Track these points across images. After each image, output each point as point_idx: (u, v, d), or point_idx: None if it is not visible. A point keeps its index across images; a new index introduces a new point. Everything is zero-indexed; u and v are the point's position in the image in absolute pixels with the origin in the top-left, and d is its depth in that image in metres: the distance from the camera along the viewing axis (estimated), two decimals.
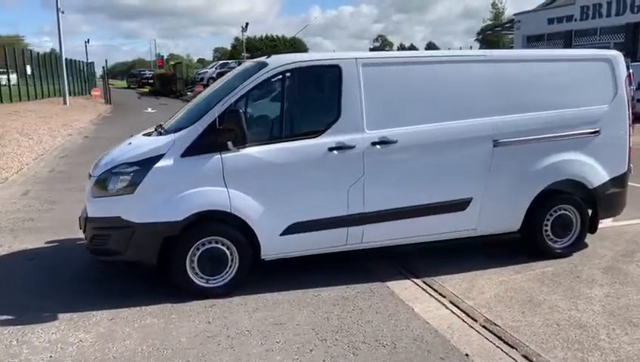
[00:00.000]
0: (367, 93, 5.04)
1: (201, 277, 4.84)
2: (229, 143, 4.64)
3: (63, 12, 30.21)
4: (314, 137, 4.96)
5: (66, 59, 31.63)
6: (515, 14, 37.00)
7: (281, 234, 4.94)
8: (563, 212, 5.77)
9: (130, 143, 5.21)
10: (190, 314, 4.55)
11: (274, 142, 4.90)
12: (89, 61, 54.03)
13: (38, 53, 35.80)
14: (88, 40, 68.41)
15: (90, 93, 40.52)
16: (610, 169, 5.78)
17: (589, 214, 5.90)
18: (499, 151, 5.40)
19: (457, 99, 5.31)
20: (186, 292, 4.82)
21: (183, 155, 4.68)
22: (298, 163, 4.90)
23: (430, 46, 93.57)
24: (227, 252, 4.86)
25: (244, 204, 4.77)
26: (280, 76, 4.92)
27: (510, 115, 5.42)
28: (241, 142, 4.65)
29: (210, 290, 4.85)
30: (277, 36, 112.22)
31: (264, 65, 5.00)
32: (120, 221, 4.64)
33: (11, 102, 26.05)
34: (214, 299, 4.80)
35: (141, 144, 5.02)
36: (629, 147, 5.90)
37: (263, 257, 5.00)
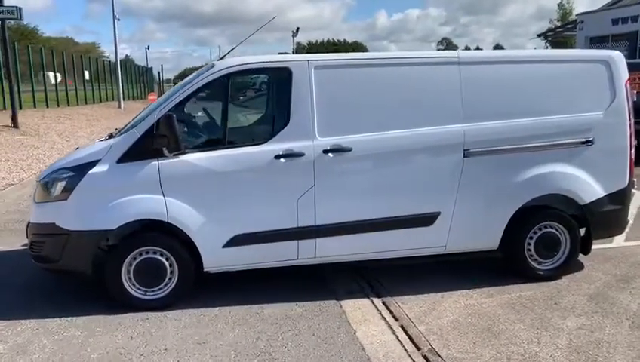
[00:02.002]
0: (319, 97, 4.70)
1: (138, 289, 4.63)
2: (164, 149, 4.41)
3: (119, 19, 31.31)
4: (260, 144, 4.67)
5: (122, 64, 32.67)
6: (577, 14, 35.22)
7: (224, 246, 4.66)
8: (549, 230, 5.19)
9: (77, 148, 5.09)
10: (117, 327, 4.36)
11: (216, 149, 4.63)
12: (149, 66, 55.84)
13: (96, 59, 37.22)
14: (148, 46, 71.15)
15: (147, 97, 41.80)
16: (606, 183, 5.15)
17: (582, 233, 5.29)
18: (470, 162, 4.91)
19: (423, 105, 4.87)
20: (122, 304, 4.63)
21: (119, 161, 4.50)
22: (241, 171, 4.62)
23: (497, 48, 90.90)
24: (166, 263, 4.63)
25: (182, 214, 4.54)
26: (225, 79, 4.65)
27: (484, 122, 4.92)
28: (174, 149, 4.41)
29: (148, 302, 4.65)
30: (339, 40, 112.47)
31: (212, 67, 4.75)
32: (54, 228, 4.52)
33: (68, 105, 27.11)
34: (149, 312, 4.59)
35: (85, 149, 4.89)
36: (631, 159, 5.24)
37: (206, 270, 4.74)
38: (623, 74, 5.16)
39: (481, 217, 5.00)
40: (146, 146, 4.47)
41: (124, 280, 4.59)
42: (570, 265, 5.30)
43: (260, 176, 4.64)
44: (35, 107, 22.92)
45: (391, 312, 4.67)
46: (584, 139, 5.06)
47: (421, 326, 4.38)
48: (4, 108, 17.78)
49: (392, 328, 4.37)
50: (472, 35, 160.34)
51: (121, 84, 31.78)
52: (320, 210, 4.74)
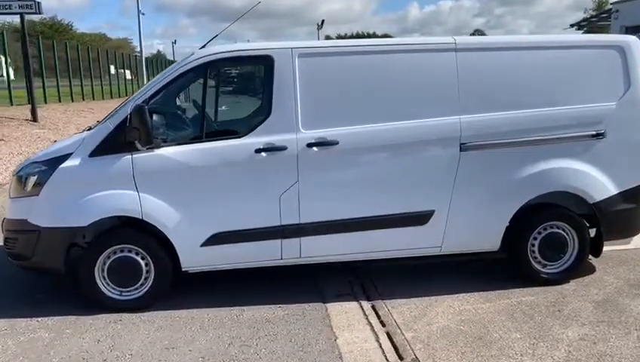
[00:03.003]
0: (303, 87, 4.40)
1: (113, 289, 4.43)
2: (137, 143, 4.18)
3: (143, 14, 31.46)
4: (239, 137, 4.40)
5: (146, 58, 32.89)
6: (612, 3, 33.92)
7: (202, 245, 4.42)
8: (554, 230, 4.80)
9: (55, 141, 4.91)
10: (87, 329, 4.16)
11: (193, 143, 4.38)
12: (177, 61, 56.18)
13: (128, 55, 37.66)
14: (175, 41, 71.21)
15: None
16: (619, 180, 4.73)
17: (591, 234, 4.88)
18: (467, 157, 4.55)
19: (415, 95, 4.53)
20: (96, 304, 4.43)
21: (92, 155, 4.29)
22: (220, 166, 4.36)
23: None
24: (141, 262, 4.42)
25: (157, 210, 4.31)
26: (202, 68, 4.39)
27: (483, 113, 4.55)
28: (147, 142, 4.18)
29: (123, 303, 4.45)
30: (368, 33, 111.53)
31: (190, 55, 4.50)
32: (26, 224, 4.34)
33: (93, 99, 27.37)
34: (124, 314, 4.39)
35: (60, 142, 4.70)
36: None
37: (184, 269, 4.51)
38: (639, 60, 4.72)
39: (479, 216, 4.64)
40: (119, 139, 4.25)
41: (97, 280, 4.39)
42: (579, 269, 4.90)
43: (240, 171, 4.38)
44: (59, 101, 23.17)
45: (379, 317, 4.37)
46: (594, 132, 4.65)
47: (408, 333, 4.07)
48: (27, 103, 17.93)
49: (376, 335, 4.07)
50: (507, 26, 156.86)
51: (145, 78, 31.94)
52: (304, 207, 4.46)
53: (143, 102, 4.26)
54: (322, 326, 4.20)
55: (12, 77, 21.60)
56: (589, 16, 47.20)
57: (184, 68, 4.38)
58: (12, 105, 18.93)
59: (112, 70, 31.56)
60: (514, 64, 4.62)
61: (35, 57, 22.12)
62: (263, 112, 4.42)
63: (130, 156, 4.26)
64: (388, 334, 4.09)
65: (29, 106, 16.76)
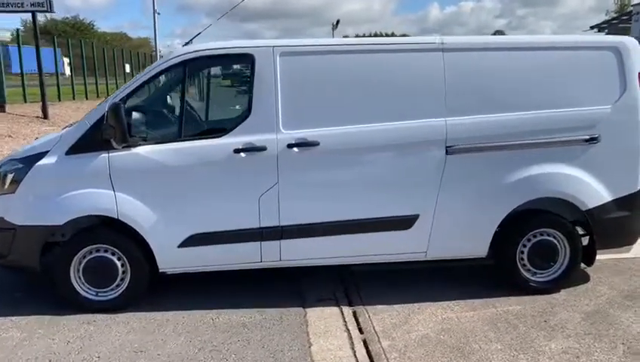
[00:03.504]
0: (285, 86, 4.30)
1: (88, 289, 4.37)
2: (113, 141, 4.11)
3: (159, 13, 31.51)
4: (218, 137, 4.31)
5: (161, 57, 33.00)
6: (633, 5, 33.33)
7: (179, 246, 4.34)
8: (545, 238, 4.63)
9: (36, 138, 4.87)
10: (59, 330, 4.10)
11: (170, 142, 4.30)
12: None
13: (137, 53, 37.89)
14: (191, 40, 70.96)
15: None
16: (613, 187, 4.55)
17: (583, 242, 4.71)
18: (453, 160, 4.41)
19: (400, 96, 4.40)
20: (72, 305, 4.37)
21: (68, 153, 4.24)
22: (197, 166, 4.27)
23: None
24: (117, 263, 4.35)
25: (134, 210, 4.24)
26: (181, 66, 4.31)
27: (470, 115, 4.41)
28: (122, 140, 4.11)
29: (99, 304, 4.38)
30: (387, 33, 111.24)
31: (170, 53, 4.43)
32: (3, 222, 4.29)
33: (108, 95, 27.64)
34: (99, 315, 4.32)
35: (39, 139, 4.66)
36: None
37: (161, 271, 4.44)
38: (636, 63, 4.54)
39: (465, 221, 4.50)
40: (96, 137, 4.18)
41: (73, 280, 4.33)
42: (570, 278, 4.73)
43: (218, 171, 4.29)
44: (73, 99, 23.38)
45: (358, 324, 4.26)
46: (587, 137, 4.47)
47: (386, 341, 3.94)
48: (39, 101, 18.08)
49: (352, 342, 3.95)
50: (529, 27, 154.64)
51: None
52: (284, 209, 4.35)
53: (120, 100, 4.19)
54: (298, 332, 4.09)
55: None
56: (609, 18, 46.49)
57: (163, 66, 4.31)
58: (25, 102, 19.11)
59: (128, 69, 31.77)
60: (503, 65, 4.47)
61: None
62: (243, 112, 4.33)
63: (107, 154, 4.20)
64: (364, 342, 3.97)
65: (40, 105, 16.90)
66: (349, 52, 4.43)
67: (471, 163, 4.44)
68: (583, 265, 4.86)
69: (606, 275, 5.04)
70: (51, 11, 16.48)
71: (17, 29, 20.90)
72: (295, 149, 4.29)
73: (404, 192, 4.44)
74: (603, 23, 44.06)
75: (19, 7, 16.20)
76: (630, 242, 4.83)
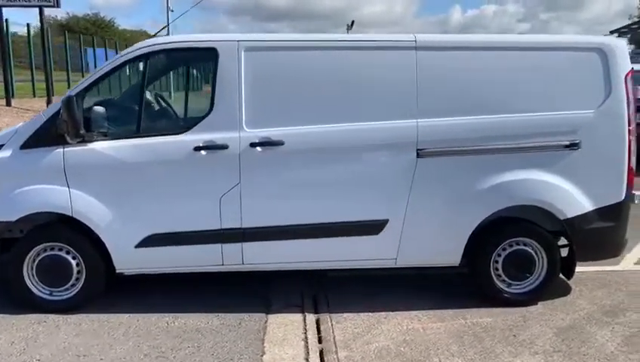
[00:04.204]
0: (248, 83, 4.13)
1: (42, 288, 4.24)
2: (66, 136, 3.97)
3: (172, 10, 31.64)
4: (178, 133, 4.15)
5: None
6: None
7: (137, 246, 4.19)
8: (521, 247, 4.40)
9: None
10: (7, 329, 3.99)
11: (129, 137, 4.15)
12: None
13: None
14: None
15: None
16: (595, 196, 4.31)
17: (562, 253, 4.48)
18: (425, 164, 4.21)
19: (370, 96, 4.21)
20: (25, 304, 4.24)
21: (23, 147, 4.11)
22: (156, 163, 4.13)
23: None
24: (72, 262, 4.21)
25: (89, 208, 4.10)
26: (142, 60, 4.16)
27: (443, 117, 4.20)
28: (75, 135, 3.96)
29: (53, 304, 4.25)
30: None
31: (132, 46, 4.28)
32: None
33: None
34: (51, 315, 4.19)
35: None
36: (630, 168, 4.36)
37: (119, 271, 4.29)
38: (623, 65, 4.29)
39: (437, 228, 4.29)
40: (52, 132, 4.05)
41: (26, 278, 4.20)
42: (547, 290, 4.49)
43: (177, 169, 4.13)
44: None
45: (319, 332, 4.08)
46: (567, 142, 4.24)
47: (343, 352, 3.75)
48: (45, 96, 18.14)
49: (308, 353, 3.76)
50: (552, 31, 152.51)
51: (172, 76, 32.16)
52: (246, 210, 4.18)
53: (76, 93, 4.04)
54: (254, 339, 3.91)
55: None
56: (630, 22, 45.70)
57: (123, 59, 4.16)
58: (34, 97, 19.19)
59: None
60: (480, 65, 4.26)
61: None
62: (205, 108, 4.16)
63: (62, 150, 4.07)
64: (321, 352, 3.79)
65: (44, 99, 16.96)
66: (317, 48, 4.25)
67: (443, 167, 4.23)
68: (564, 277, 4.62)
69: (589, 288, 4.79)
70: (57, 6, 16.50)
71: (28, 24, 20.94)
72: (258, 148, 4.12)
73: (373, 196, 4.25)
74: (623, 27, 43.33)
75: (26, 1, 16.23)
76: (614, 254, 4.60)
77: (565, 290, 4.71)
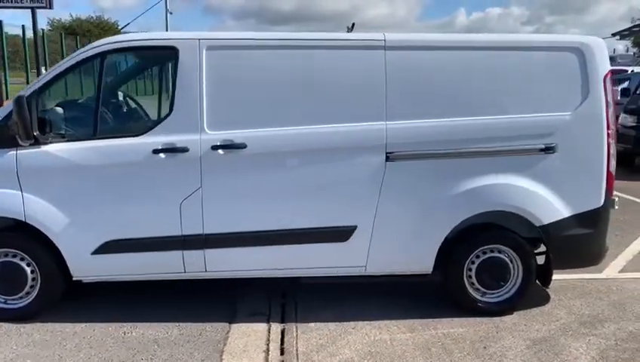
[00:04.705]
0: (210, 83, 3.97)
1: None
2: (17, 138, 3.81)
3: (171, 13, 31.60)
4: (136, 135, 3.99)
5: None
6: None
7: (93, 253, 4.03)
8: (495, 255, 4.24)
9: None
10: None
11: (85, 140, 3.99)
12: None
13: None
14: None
15: None
16: (572, 202, 4.14)
17: (538, 261, 4.31)
18: (394, 168, 4.04)
19: (337, 96, 4.04)
20: None
21: None
22: (113, 167, 3.96)
23: None
24: (26, 269, 4.05)
25: (43, 213, 3.94)
26: (98, 58, 4.00)
27: (413, 119, 4.04)
28: (26, 137, 3.80)
29: (7, 312, 4.10)
30: None
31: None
32: None
33: None
34: (4, 324, 4.04)
35: None
36: (609, 173, 4.19)
37: (75, 279, 4.13)
38: (601, 66, 4.13)
39: (408, 234, 4.12)
40: (4, 133, 3.89)
41: None
42: (524, 299, 4.31)
43: (135, 173, 3.97)
44: None
45: (282, 343, 3.91)
46: (543, 146, 4.07)
47: None
48: None
49: None
50: (556, 34, 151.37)
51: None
52: (208, 216, 4.02)
53: (30, 93, 3.89)
54: (212, 350, 3.75)
55: None
56: (632, 25, 45.52)
57: (79, 57, 4.00)
58: None
59: None
60: (453, 66, 4.09)
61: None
62: (164, 109, 4.01)
63: (15, 152, 3.91)
64: None
65: None
66: (282, 47, 4.08)
67: (413, 171, 4.07)
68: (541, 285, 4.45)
69: (569, 297, 4.62)
70: (50, 7, 16.45)
71: (23, 25, 20.86)
72: (220, 151, 3.96)
73: (340, 201, 4.09)
74: (624, 30, 43.15)
75: (18, 2, 16.16)
76: (593, 262, 4.43)
77: (543, 299, 4.54)
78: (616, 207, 4.33)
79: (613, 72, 4.33)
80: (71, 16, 50.84)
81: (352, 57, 4.07)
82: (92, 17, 58.35)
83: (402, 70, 4.04)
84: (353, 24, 42.95)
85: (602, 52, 4.16)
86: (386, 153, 4.02)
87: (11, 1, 16.10)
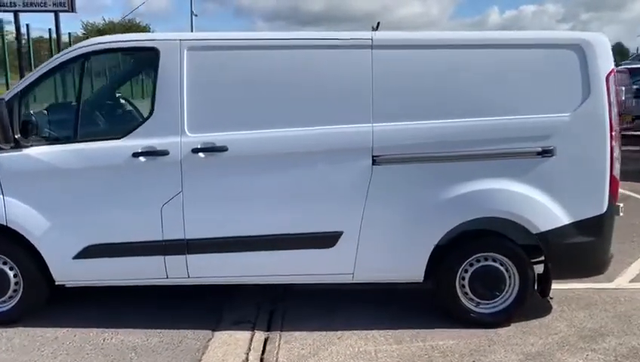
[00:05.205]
0: (191, 84, 3.88)
1: None
2: None
3: (196, 15, 31.90)
4: (117, 138, 3.92)
5: None
6: None
7: (75, 258, 3.98)
8: (490, 263, 4.03)
9: None
10: None
11: (66, 143, 3.94)
12: None
13: None
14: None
15: None
16: (573, 208, 3.92)
17: (536, 271, 4.09)
18: (381, 171, 3.88)
19: (322, 98, 3.90)
20: None
21: None
22: (93, 170, 3.91)
23: (618, 47, 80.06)
24: (9, 273, 4.03)
25: (24, 217, 3.91)
26: (81, 60, 3.94)
27: (402, 121, 3.87)
28: (5, 140, 3.77)
29: None
30: None
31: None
32: None
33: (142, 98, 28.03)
34: None
35: None
36: (613, 178, 3.95)
37: (58, 283, 4.09)
38: (604, 64, 3.89)
39: (396, 241, 3.96)
40: None
41: None
42: (521, 310, 4.10)
43: (116, 177, 3.90)
44: None
45: (263, 353, 3.79)
46: (540, 149, 3.86)
47: None
48: None
49: None
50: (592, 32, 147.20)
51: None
52: (190, 221, 3.93)
53: (13, 95, 3.86)
54: (190, 360, 3.66)
55: None
56: None
57: (61, 59, 3.96)
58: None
59: None
60: (444, 65, 3.91)
61: None
62: (145, 111, 3.93)
63: None
64: None
65: None
66: (265, 47, 3.97)
67: (402, 175, 3.90)
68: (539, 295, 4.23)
69: (572, 308, 4.38)
70: (73, 11, 16.66)
71: (50, 29, 21.26)
72: (201, 155, 3.86)
73: (325, 206, 3.95)
74: None
75: (42, 6, 16.45)
76: (596, 272, 4.19)
77: (544, 310, 4.31)
78: (622, 214, 4.08)
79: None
80: (104, 20, 51.82)
81: (338, 57, 3.92)
82: (124, 21, 59.39)
83: (390, 70, 3.88)
84: (378, 23, 42.37)
85: (604, 49, 3.92)
86: (373, 156, 3.86)
87: (36, 5, 16.46)
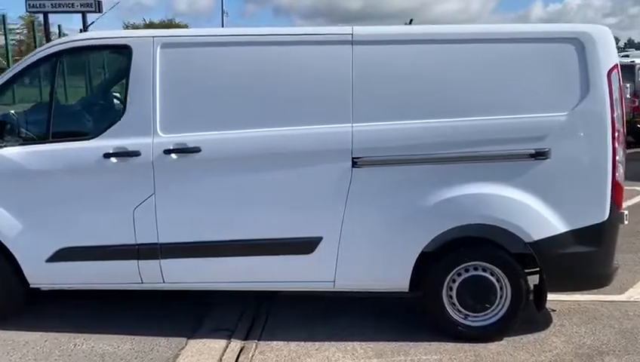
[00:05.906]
0: (164, 83, 3.73)
1: None
2: None
3: (227, 14, 31.99)
4: (88, 139, 3.81)
5: None
6: None
7: (48, 261, 3.89)
8: (479, 273, 3.76)
9: None
10: None
11: (36, 143, 3.85)
12: None
13: None
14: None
15: None
16: (570, 216, 3.62)
17: (529, 282, 3.80)
18: (361, 174, 3.66)
19: (299, 97, 3.71)
20: None
21: None
22: (64, 171, 3.80)
23: None
24: None
25: None
26: (53, 59, 3.84)
27: (384, 121, 3.64)
28: None
29: None
30: None
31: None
32: None
33: None
34: None
35: None
36: (616, 182, 3.63)
37: (33, 286, 4.01)
38: (605, 59, 3.58)
39: (379, 248, 3.73)
40: None
41: None
42: (514, 324, 3.81)
43: (87, 178, 3.79)
44: None
45: None
46: (534, 151, 3.58)
47: None
48: None
49: None
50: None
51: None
52: (163, 224, 3.79)
53: None
54: None
55: None
56: None
57: (33, 58, 3.87)
58: None
59: None
60: (430, 61, 3.66)
61: None
62: (117, 111, 3.81)
63: None
64: None
65: None
66: (241, 44, 3.79)
67: (384, 178, 3.67)
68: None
69: (573, 322, 4.07)
70: (100, 11, 16.87)
71: (80, 29, 21.64)
72: (173, 156, 3.72)
73: (303, 210, 3.75)
74: None
75: (70, 7, 16.72)
76: (597, 285, 3.89)
77: (543, 324, 4.02)
78: (627, 222, 3.76)
79: None
80: (144, 20, 52.80)
81: (316, 53, 3.72)
82: (164, 21, 60.35)
83: (372, 67, 3.66)
84: (411, 20, 42.00)
85: (606, 43, 3.61)
86: (353, 158, 3.64)
87: (64, 6, 16.75)
